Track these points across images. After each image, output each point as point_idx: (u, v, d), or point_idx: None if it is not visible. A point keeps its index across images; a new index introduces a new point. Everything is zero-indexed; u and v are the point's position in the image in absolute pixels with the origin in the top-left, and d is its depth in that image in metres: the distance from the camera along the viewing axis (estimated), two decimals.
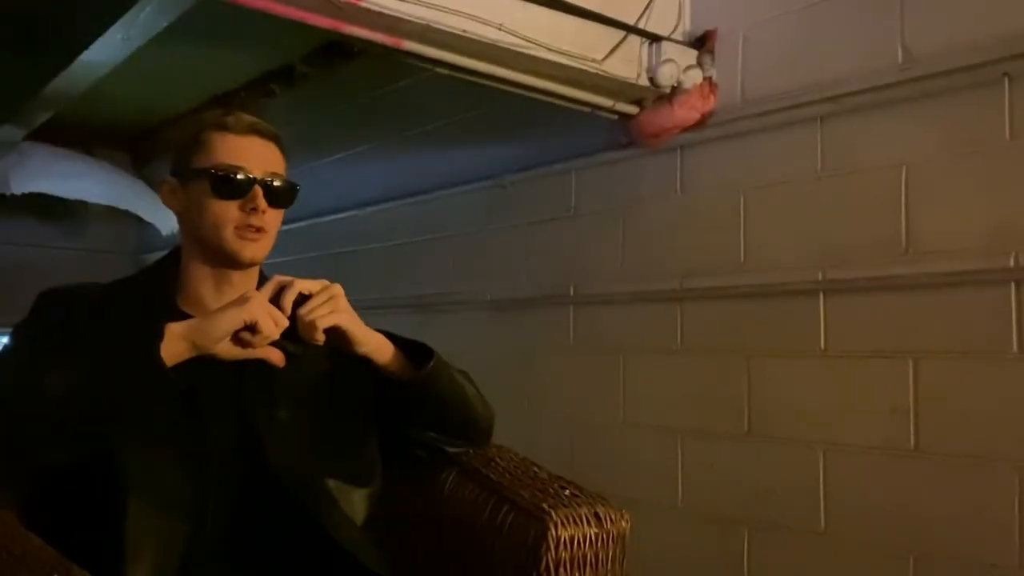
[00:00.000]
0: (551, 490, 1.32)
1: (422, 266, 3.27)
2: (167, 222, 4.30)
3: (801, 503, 2.06)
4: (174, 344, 1.19)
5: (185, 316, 1.33)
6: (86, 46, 2.68)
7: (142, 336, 1.18)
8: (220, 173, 1.30)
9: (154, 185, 4.17)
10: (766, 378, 2.17)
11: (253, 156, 1.32)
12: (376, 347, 1.33)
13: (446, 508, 1.43)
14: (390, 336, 1.37)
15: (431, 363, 1.34)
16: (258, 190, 1.31)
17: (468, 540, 1.38)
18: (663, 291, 2.40)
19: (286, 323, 1.25)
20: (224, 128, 1.32)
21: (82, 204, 4.32)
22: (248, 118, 1.35)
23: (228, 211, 1.30)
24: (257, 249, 1.33)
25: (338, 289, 1.30)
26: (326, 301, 1.28)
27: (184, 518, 1.22)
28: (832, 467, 2.03)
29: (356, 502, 1.36)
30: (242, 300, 1.24)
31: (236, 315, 1.21)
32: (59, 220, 4.72)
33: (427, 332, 3.15)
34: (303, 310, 1.26)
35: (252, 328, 1.22)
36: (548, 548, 1.23)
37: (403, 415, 1.40)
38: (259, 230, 1.32)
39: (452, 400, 1.39)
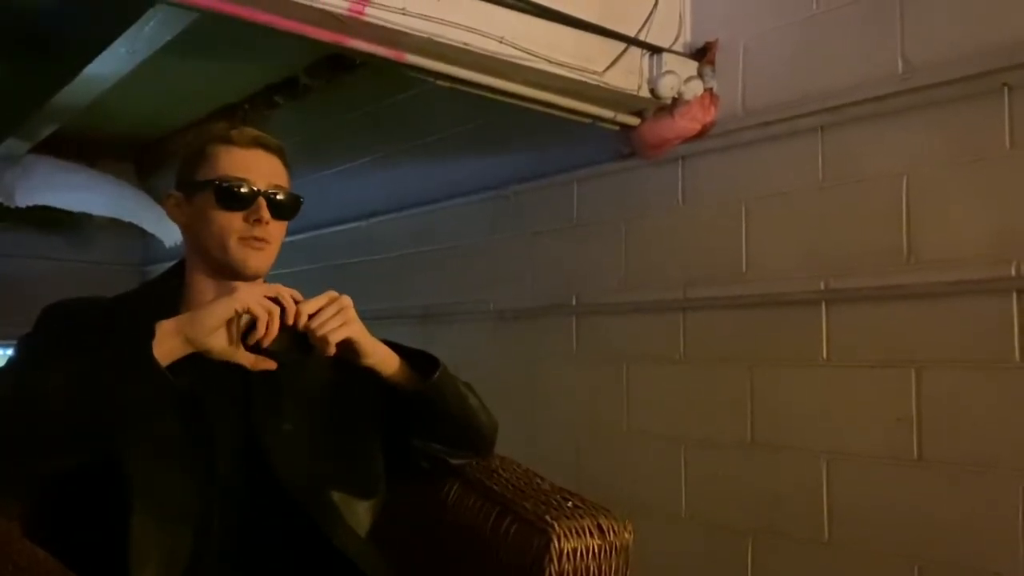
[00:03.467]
0: (554, 501, 1.32)
1: (426, 277, 3.28)
2: (171, 234, 4.32)
3: (805, 512, 2.06)
4: (167, 341, 1.18)
5: None
6: (91, 59, 2.70)
7: (137, 338, 1.18)
8: (224, 185, 1.31)
9: (158, 197, 4.19)
10: (769, 387, 2.17)
11: (257, 168, 1.33)
12: (382, 359, 1.34)
13: (449, 519, 1.44)
14: (395, 346, 1.37)
15: (437, 373, 1.34)
16: (262, 202, 1.31)
17: (471, 551, 1.38)
18: (666, 301, 2.41)
19: (290, 314, 1.25)
20: (228, 141, 1.34)
21: (86, 216, 4.34)
22: (252, 131, 1.36)
23: (232, 222, 1.31)
24: (261, 260, 1.34)
25: (347, 300, 1.30)
26: (336, 313, 1.28)
27: (189, 528, 1.22)
28: (836, 476, 2.03)
29: (360, 512, 1.37)
30: (231, 290, 1.23)
31: (227, 304, 1.21)
32: (63, 232, 4.74)
33: (431, 342, 3.15)
34: (314, 323, 1.26)
35: (250, 320, 1.22)
36: (551, 560, 1.23)
37: (408, 425, 1.41)
38: (263, 241, 1.33)
39: (456, 411, 1.39)
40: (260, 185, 1.32)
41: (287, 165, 1.39)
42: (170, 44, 2.57)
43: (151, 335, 1.18)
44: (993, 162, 1.82)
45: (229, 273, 1.34)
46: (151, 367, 1.16)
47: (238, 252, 1.32)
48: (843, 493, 2.01)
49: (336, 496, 1.34)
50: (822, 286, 2.06)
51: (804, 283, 2.09)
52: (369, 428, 1.41)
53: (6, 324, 2.60)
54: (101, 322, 1.32)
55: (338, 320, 1.27)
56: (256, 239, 1.32)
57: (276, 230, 1.34)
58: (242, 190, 1.31)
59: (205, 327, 1.20)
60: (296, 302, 1.26)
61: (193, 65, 3.30)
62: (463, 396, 1.41)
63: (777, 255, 2.17)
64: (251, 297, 1.22)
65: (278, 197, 1.33)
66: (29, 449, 1.17)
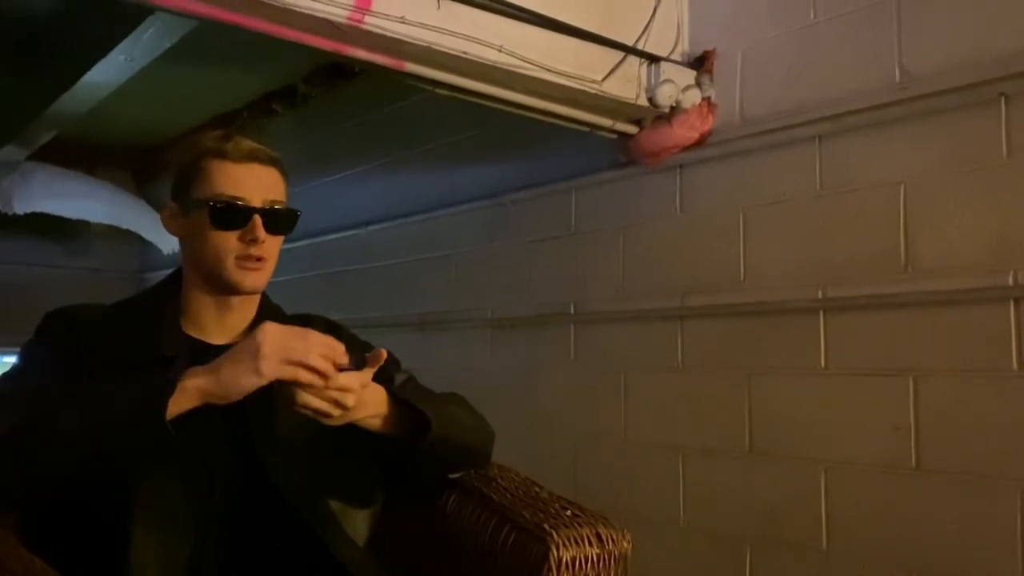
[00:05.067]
0: (552, 510, 1.32)
1: (424, 284, 3.28)
2: (169, 241, 4.32)
3: (803, 520, 2.06)
4: (186, 400, 1.16)
5: (191, 339, 1.34)
6: (89, 67, 2.71)
7: (154, 384, 1.15)
8: (219, 205, 1.29)
9: (156, 204, 4.19)
10: (767, 395, 2.17)
11: (252, 184, 1.31)
12: (366, 417, 1.28)
13: (448, 528, 1.43)
14: (391, 396, 1.31)
15: (428, 437, 1.29)
16: (257, 220, 1.30)
17: (470, 560, 1.37)
18: (664, 309, 2.41)
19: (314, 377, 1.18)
20: (223, 156, 1.31)
21: (84, 223, 4.34)
22: (247, 144, 1.33)
23: (228, 242, 1.30)
24: (257, 279, 1.33)
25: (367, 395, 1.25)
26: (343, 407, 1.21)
27: (188, 537, 1.23)
28: (834, 484, 2.02)
29: (358, 522, 1.37)
30: (254, 353, 1.16)
31: (252, 380, 1.16)
32: (62, 239, 4.74)
33: (429, 350, 3.17)
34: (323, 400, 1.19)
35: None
36: (550, 569, 1.22)
37: (402, 460, 1.40)
38: (259, 259, 1.31)
39: (452, 451, 1.38)
40: (255, 202, 1.31)
41: (285, 174, 1.37)
42: (169, 52, 2.57)
43: (170, 388, 1.14)
44: (990, 171, 1.82)
45: (226, 290, 1.33)
46: (162, 429, 1.13)
47: (235, 273, 1.31)
48: (841, 502, 2.01)
49: (334, 506, 1.34)
50: (820, 294, 2.06)
51: (802, 291, 2.09)
52: (365, 439, 1.41)
53: (4, 331, 2.60)
54: (103, 330, 1.32)
55: (344, 408, 1.21)
56: (252, 258, 1.31)
57: (272, 246, 1.33)
58: (237, 209, 1.29)
59: (228, 397, 1.17)
60: (326, 373, 1.18)
61: (191, 73, 3.31)
62: (458, 429, 1.37)
63: (775, 263, 2.17)
64: (275, 370, 1.16)
65: (274, 210, 1.32)
66: (30, 473, 1.17)
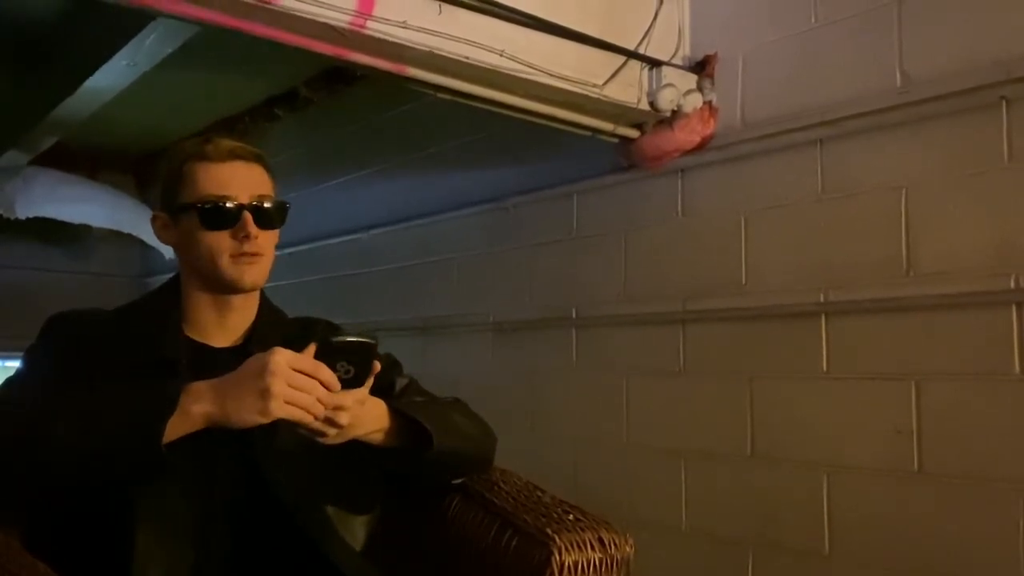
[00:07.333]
0: (555, 514, 1.32)
1: (425, 289, 3.28)
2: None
3: (805, 524, 2.06)
4: (189, 424, 1.15)
5: (192, 342, 1.34)
6: (92, 72, 2.72)
7: (154, 400, 1.15)
8: (207, 206, 1.29)
9: None
10: (769, 400, 2.17)
11: (238, 182, 1.31)
12: (367, 433, 1.28)
13: (450, 532, 1.43)
14: (392, 410, 1.31)
15: (430, 451, 1.29)
16: (247, 216, 1.30)
17: (472, 564, 1.37)
18: (665, 313, 2.41)
19: (319, 408, 1.18)
20: (204, 158, 1.31)
21: (86, 228, 4.34)
22: (228, 143, 1.33)
23: (220, 242, 1.30)
24: (255, 274, 1.33)
25: (363, 410, 1.25)
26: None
27: (189, 542, 1.23)
28: (836, 488, 2.02)
29: (355, 528, 1.36)
30: (262, 392, 1.14)
31: (257, 419, 1.16)
32: (63, 244, 4.74)
33: (431, 354, 3.17)
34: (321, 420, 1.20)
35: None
36: (552, 573, 1.22)
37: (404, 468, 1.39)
38: (254, 255, 1.31)
39: (453, 460, 1.38)
40: (243, 199, 1.30)
41: (270, 169, 1.37)
42: (171, 57, 2.58)
43: (171, 406, 1.13)
44: (992, 175, 1.82)
45: (225, 289, 1.33)
46: (157, 455, 1.13)
47: (231, 270, 1.30)
48: (843, 506, 2.01)
49: (331, 511, 1.34)
50: (821, 298, 2.06)
51: (803, 295, 2.09)
52: (365, 446, 1.41)
53: (6, 335, 2.61)
54: (104, 333, 1.32)
55: (338, 427, 1.22)
56: (247, 255, 1.30)
57: (266, 241, 1.33)
58: (225, 208, 1.29)
59: (235, 427, 1.16)
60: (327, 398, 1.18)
61: (193, 77, 3.31)
62: (459, 439, 1.37)
63: (776, 267, 2.18)
64: (281, 410, 1.15)
65: (264, 207, 1.32)
66: (30, 482, 1.17)
